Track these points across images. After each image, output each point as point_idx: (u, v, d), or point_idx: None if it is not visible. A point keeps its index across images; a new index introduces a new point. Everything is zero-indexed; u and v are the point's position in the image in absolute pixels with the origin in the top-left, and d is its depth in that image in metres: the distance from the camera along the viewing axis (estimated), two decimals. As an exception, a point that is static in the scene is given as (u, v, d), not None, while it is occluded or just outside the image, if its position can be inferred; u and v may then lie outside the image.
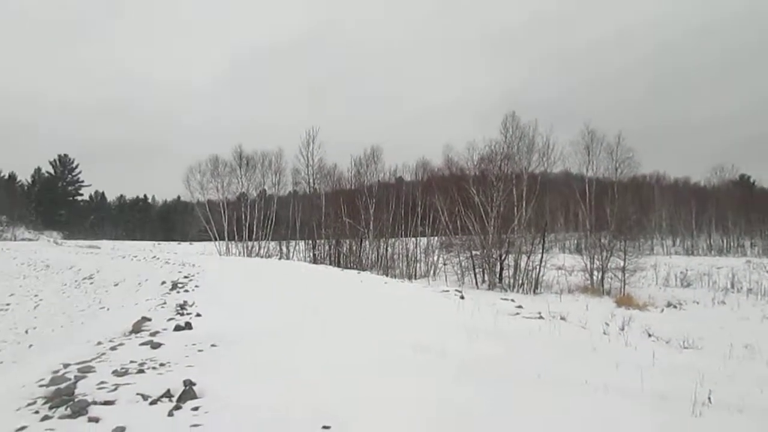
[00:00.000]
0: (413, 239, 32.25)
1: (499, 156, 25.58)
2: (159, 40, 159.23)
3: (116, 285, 16.31)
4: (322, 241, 33.23)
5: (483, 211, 24.32)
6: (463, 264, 25.62)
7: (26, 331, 14.48)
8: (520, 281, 23.37)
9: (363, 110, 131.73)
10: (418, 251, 31.62)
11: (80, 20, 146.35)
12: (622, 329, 10.69)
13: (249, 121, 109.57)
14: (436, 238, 31.60)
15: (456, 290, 16.99)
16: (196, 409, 3.65)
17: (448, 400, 4.20)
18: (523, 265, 23.64)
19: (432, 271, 29.17)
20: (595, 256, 23.73)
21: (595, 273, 23.46)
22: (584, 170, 26.57)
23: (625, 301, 17.49)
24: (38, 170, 67.35)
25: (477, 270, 24.77)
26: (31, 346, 12.73)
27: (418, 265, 30.77)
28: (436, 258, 30.09)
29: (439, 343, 6.35)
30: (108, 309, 12.99)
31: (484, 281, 24.18)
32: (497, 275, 23.64)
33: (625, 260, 22.72)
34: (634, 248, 24.90)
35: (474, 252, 25.00)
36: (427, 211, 32.07)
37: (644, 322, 12.05)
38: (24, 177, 66.50)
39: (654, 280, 24.29)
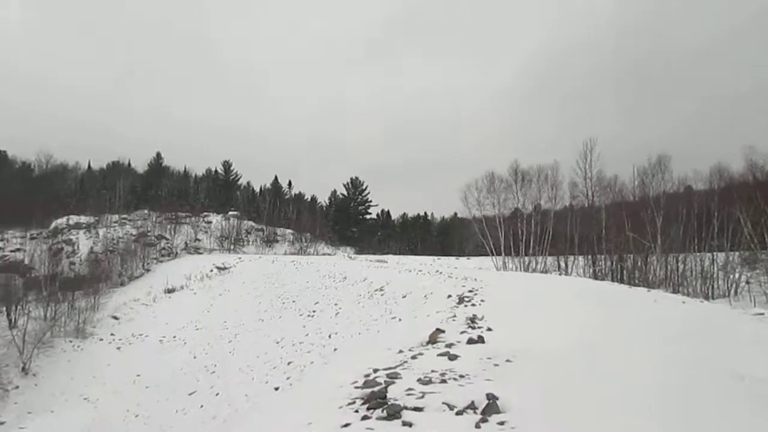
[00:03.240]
0: (708, 254, 28.94)
1: (819, 154, 21.77)
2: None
3: (404, 297, 16.98)
4: (603, 256, 32.31)
5: (797, 222, 21.03)
6: (773, 283, 22.44)
7: (329, 336, 15.94)
8: None
9: (643, 116, 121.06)
10: (715, 268, 28.43)
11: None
12: None
13: (526, 135, 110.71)
14: (737, 253, 28.04)
15: (773, 312, 15.37)
16: (502, 423, 3.63)
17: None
18: None
19: (733, 290, 26.03)
20: None
21: None
22: None
23: None
24: (334, 192, 78.58)
25: (791, 289, 21.47)
26: (335, 349, 14.09)
27: (714, 282, 27.68)
28: (737, 275, 26.74)
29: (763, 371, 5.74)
30: (400, 319, 13.64)
31: (801, 302, 20.83)
32: (820, 296, 20.17)
33: None
34: None
35: (787, 269, 21.73)
36: (725, 223, 28.57)
37: None
38: (323, 199, 79.20)
39: None
